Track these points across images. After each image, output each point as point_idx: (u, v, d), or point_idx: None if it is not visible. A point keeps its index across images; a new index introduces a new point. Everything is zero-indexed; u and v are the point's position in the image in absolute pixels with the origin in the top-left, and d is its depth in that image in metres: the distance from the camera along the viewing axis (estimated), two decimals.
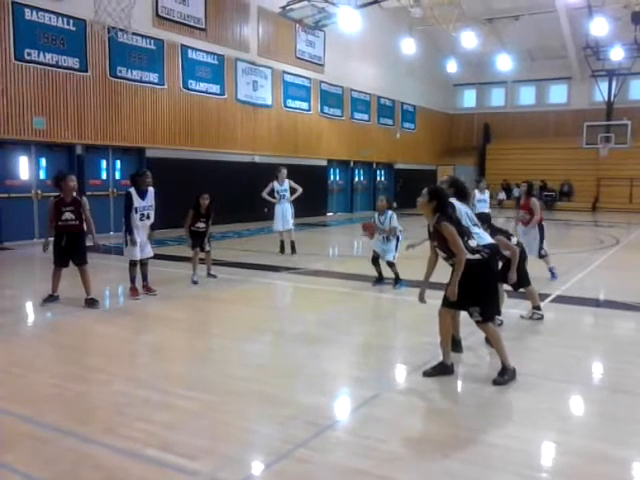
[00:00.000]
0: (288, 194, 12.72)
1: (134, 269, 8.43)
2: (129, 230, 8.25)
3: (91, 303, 7.74)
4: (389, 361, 5.91)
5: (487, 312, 5.13)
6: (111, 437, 3.97)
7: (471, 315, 5.14)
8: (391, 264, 9.16)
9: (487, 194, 12.35)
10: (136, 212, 8.27)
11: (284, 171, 12.75)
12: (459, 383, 5.30)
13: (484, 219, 6.89)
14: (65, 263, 7.89)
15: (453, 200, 5.54)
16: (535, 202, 9.71)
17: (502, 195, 31.22)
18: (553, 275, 9.72)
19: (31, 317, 7.70)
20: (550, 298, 8.32)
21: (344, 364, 5.78)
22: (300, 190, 12.87)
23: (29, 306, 8.18)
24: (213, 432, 4.12)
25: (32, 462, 3.66)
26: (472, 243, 5.11)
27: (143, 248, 8.47)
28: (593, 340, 6.74)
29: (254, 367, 5.51)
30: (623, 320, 7.65)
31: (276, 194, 12.64)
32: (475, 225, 5.68)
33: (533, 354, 6.09)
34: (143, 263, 8.56)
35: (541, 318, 7.21)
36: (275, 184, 12.66)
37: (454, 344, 5.68)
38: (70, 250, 7.80)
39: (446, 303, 5.16)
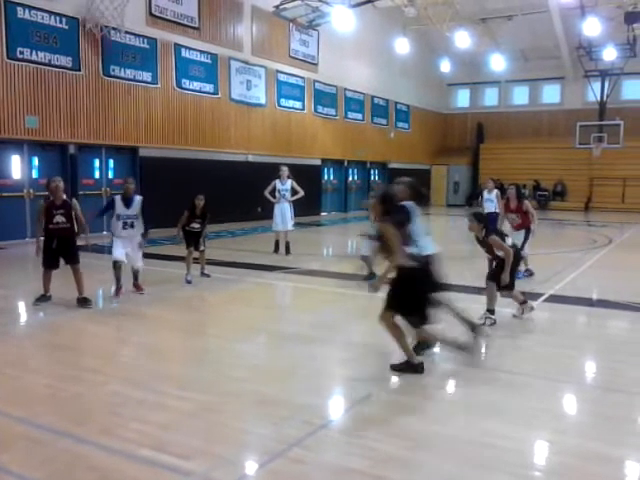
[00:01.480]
0: (289, 194, 12.63)
1: (117, 271, 8.34)
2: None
3: (83, 302, 7.72)
4: (383, 360, 5.91)
5: (411, 319, 5.16)
6: (106, 438, 3.96)
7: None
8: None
9: (494, 194, 12.30)
10: (118, 219, 8.25)
11: (284, 169, 12.69)
12: (453, 383, 5.31)
13: (480, 219, 6.93)
14: (55, 265, 7.85)
15: (410, 204, 5.51)
16: (528, 205, 9.62)
17: None
18: (518, 275, 9.60)
19: (24, 317, 7.67)
20: (543, 297, 8.36)
21: (338, 364, 5.78)
22: (301, 193, 12.77)
23: (22, 306, 8.15)
24: (207, 432, 4.11)
25: (27, 463, 3.65)
26: (410, 250, 5.07)
27: (131, 258, 8.43)
28: (586, 339, 6.78)
29: (249, 367, 5.51)
30: (616, 319, 7.68)
31: (277, 193, 12.58)
32: (427, 234, 5.63)
33: (527, 353, 6.12)
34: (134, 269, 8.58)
35: (529, 311, 7.23)
36: (277, 183, 12.61)
37: (421, 344, 5.64)
38: (61, 252, 7.77)
39: (385, 306, 5.20)
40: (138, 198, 8.42)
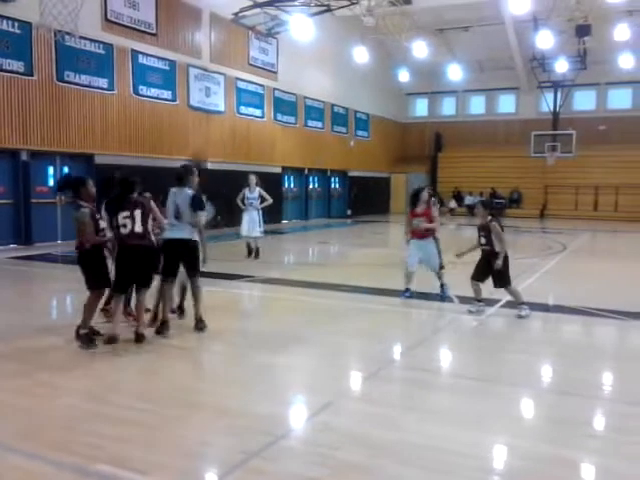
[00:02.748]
0: (256, 202, 12.95)
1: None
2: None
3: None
4: (343, 368, 5.90)
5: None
6: (59, 453, 3.82)
7: None
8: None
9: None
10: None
11: (253, 178, 12.99)
12: (412, 389, 5.33)
13: (486, 206, 7.95)
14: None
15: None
16: (436, 211, 9.23)
17: (453, 203, 31.79)
18: (444, 292, 8.89)
19: None
20: (500, 304, 8.47)
21: (298, 372, 5.74)
22: (270, 201, 13.22)
23: None
24: (167, 445, 4.01)
25: None
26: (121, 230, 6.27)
27: None
28: (542, 344, 6.89)
29: (208, 378, 5.42)
30: (571, 324, 7.84)
31: (245, 200, 12.96)
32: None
33: (484, 359, 6.18)
34: None
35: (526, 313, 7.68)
36: (246, 191, 12.95)
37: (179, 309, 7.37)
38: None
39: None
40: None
